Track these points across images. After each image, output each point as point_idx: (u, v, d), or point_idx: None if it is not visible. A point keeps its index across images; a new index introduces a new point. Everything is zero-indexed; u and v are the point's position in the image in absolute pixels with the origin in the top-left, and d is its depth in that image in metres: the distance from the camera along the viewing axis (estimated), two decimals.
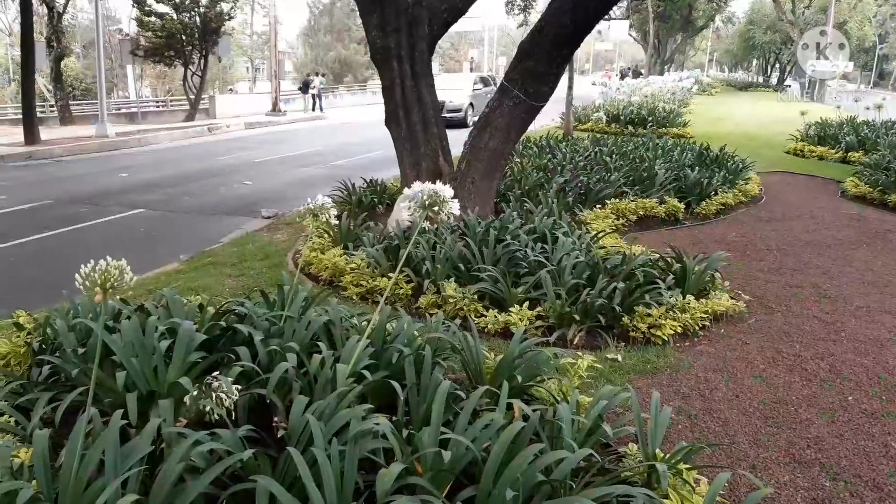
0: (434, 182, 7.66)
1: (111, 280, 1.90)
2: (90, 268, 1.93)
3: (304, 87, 29.55)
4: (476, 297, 4.71)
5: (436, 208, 3.16)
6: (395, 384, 2.83)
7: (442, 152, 7.75)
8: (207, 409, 2.50)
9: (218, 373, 2.65)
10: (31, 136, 16.56)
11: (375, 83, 48.11)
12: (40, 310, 4.81)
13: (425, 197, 3.15)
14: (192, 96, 26.07)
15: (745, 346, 4.42)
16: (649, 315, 4.43)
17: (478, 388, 2.79)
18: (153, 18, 24.68)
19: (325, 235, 6.25)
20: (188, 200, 10.21)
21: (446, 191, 3.19)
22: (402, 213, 7.37)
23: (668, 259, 5.28)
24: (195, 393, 2.52)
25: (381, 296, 5.12)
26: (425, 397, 2.91)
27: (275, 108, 27.89)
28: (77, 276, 1.94)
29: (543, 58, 6.71)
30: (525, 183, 8.16)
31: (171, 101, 30.99)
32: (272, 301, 3.75)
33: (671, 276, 4.93)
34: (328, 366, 2.82)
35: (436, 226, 6.07)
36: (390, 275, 5.20)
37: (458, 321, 4.30)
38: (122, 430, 2.38)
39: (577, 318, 4.36)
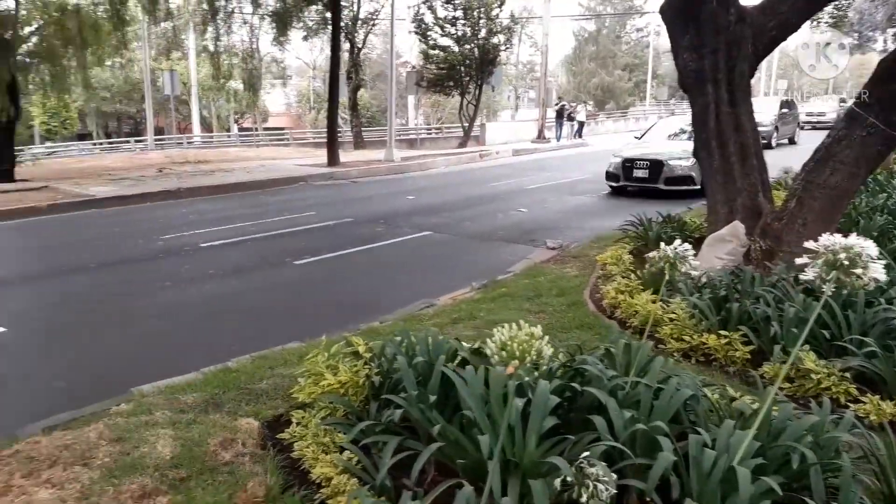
0: (755, 221, 6.57)
1: (530, 355, 1.55)
2: (505, 333, 1.60)
3: (569, 116, 29.50)
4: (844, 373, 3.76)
5: (858, 271, 2.47)
6: None
7: (762, 187, 6.75)
8: (583, 499, 2.09)
9: (588, 454, 2.23)
10: (333, 159, 18.63)
11: (637, 110, 46.63)
12: (355, 330, 4.96)
13: (842, 255, 2.47)
14: (466, 124, 27.44)
15: None
16: None
17: None
18: (437, 51, 26.54)
19: (632, 276, 5.68)
20: (469, 226, 10.38)
21: (870, 248, 2.48)
22: (713, 256, 6.52)
23: None
24: (569, 478, 2.13)
25: (707, 355, 4.40)
26: None
27: (540, 136, 28.21)
28: (489, 342, 1.63)
29: None
30: (869, 227, 6.73)
31: (444, 128, 33.11)
32: (614, 357, 3.27)
33: None
34: (721, 466, 2.23)
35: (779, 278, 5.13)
36: (721, 332, 4.44)
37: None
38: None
39: None
